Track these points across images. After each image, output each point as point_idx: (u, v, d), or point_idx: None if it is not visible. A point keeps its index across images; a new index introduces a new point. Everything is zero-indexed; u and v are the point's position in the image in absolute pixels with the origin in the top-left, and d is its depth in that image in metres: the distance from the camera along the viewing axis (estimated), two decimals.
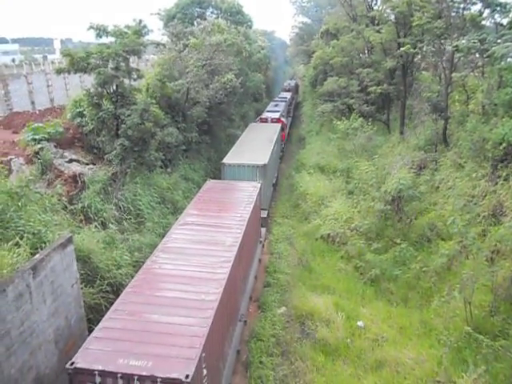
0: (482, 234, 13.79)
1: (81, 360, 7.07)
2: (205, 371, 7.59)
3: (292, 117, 43.61)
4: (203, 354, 7.38)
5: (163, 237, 12.11)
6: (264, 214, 18.18)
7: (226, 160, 19.87)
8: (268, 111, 33.77)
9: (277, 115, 31.47)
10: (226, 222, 12.62)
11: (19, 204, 10.41)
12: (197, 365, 7.04)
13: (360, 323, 13.19)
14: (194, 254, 10.58)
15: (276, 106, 36.40)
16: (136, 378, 6.83)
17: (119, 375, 6.85)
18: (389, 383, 10.76)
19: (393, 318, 13.61)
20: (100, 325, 8.12)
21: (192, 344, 7.44)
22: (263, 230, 17.49)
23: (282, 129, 29.61)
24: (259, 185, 16.15)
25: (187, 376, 6.69)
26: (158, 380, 6.75)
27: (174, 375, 6.73)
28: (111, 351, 7.31)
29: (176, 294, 8.99)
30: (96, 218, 13.98)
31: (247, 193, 15.12)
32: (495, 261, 12.72)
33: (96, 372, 6.86)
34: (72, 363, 7.00)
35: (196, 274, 9.72)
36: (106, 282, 11.42)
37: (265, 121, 30.43)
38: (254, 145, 22.71)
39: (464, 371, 10.34)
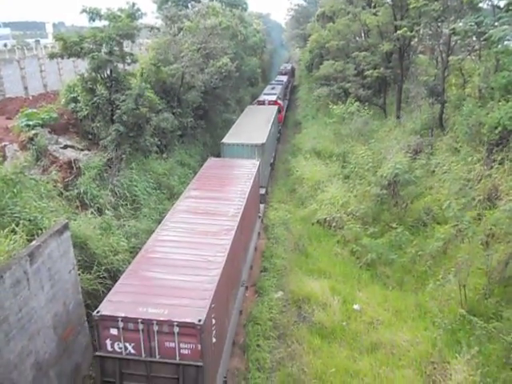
0: (478, 217, 13.89)
1: (105, 309, 7.97)
2: (213, 320, 8.47)
3: (288, 100, 44.10)
4: (212, 305, 8.26)
5: (162, 217, 12.74)
6: (262, 191, 18.85)
7: (225, 140, 20.40)
8: (265, 94, 34.40)
9: (274, 98, 32.06)
10: (228, 195, 13.46)
11: (14, 191, 10.36)
12: (207, 312, 7.92)
13: (356, 306, 13.34)
14: (200, 223, 11.37)
15: (273, 88, 36.95)
16: (155, 322, 7.73)
17: (140, 320, 7.75)
18: (384, 364, 10.93)
19: (388, 301, 13.76)
20: (119, 281, 8.94)
21: (202, 296, 8.34)
22: (262, 206, 18.22)
23: (279, 111, 30.10)
24: (258, 162, 16.78)
25: (200, 320, 7.61)
26: (175, 324, 7.68)
27: (188, 319, 7.69)
28: (131, 302, 8.22)
29: (186, 257, 9.79)
30: (92, 204, 13.95)
31: (247, 169, 15.78)
32: (490, 244, 12.85)
33: (119, 318, 7.77)
34: (98, 311, 7.90)
35: (203, 240, 10.54)
36: (103, 268, 11.44)
37: (262, 103, 30.85)
38: (252, 126, 23.18)
39: (458, 352, 10.53)
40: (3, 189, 10.11)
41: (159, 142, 19.19)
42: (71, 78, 19.17)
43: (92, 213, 13.43)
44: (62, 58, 17.29)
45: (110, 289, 9.30)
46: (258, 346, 11.78)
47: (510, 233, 12.19)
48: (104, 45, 16.26)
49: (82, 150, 16.03)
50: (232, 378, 10.79)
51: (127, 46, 19.27)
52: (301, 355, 11.53)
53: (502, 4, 18.19)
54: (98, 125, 16.90)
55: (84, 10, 16.43)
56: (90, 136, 17.01)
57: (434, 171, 18.49)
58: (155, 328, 7.78)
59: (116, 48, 16.58)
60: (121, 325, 7.81)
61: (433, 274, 13.83)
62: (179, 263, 9.57)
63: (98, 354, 8.07)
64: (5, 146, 13.39)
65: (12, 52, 24.46)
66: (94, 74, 16.42)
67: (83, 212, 13.32)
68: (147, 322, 7.77)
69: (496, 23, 16.68)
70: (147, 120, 17.79)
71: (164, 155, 19.96)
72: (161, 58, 21.76)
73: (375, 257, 15.68)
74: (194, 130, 24.07)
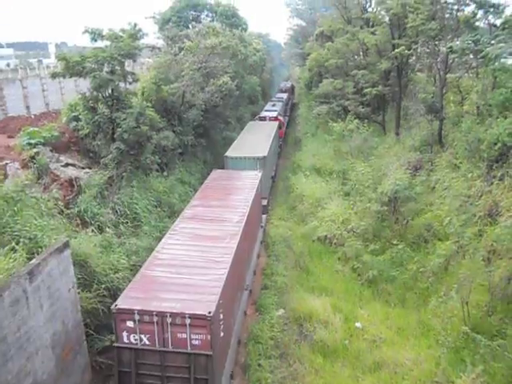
0: (479, 233, 13.83)
1: (122, 303, 8.75)
2: (221, 316, 9.14)
3: (288, 116, 44.92)
4: (220, 301, 8.96)
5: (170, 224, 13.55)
6: (264, 202, 19.57)
7: (228, 153, 21.16)
8: (266, 110, 35.23)
9: (274, 114, 32.86)
10: (233, 203, 14.35)
11: (15, 209, 10.38)
12: (216, 306, 8.66)
13: (358, 324, 13.20)
14: (207, 229, 12.23)
15: (273, 105, 37.83)
16: (168, 314, 8.49)
17: (154, 313, 8.52)
18: None
19: (390, 318, 13.62)
20: (134, 279, 9.80)
21: (211, 292, 9.10)
22: (264, 216, 19.12)
23: (280, 127, 31.03)
24: (260, 173, 17.67)
25: (209, 312, 8.40)
26: (186, 316, 8.45)
27: (199, 312, 8.46)
28: (146, 297, 9.01)
29: (194, 259, 10.58)
30: (92, 222, 13.93)
31: (250, 180, 16.72)
32: (492, 261, 12.76)
33: (135, 311, 8.54)
34: (116, 305, 8.66)
35: (210, 244, 11.34)
36: (103, 286, 11.36)
37: (263, 119, 31.72)
38: (254, 140, 24.00)
39: (462, 371, 10.34)
40: (4, 207, 10.13)
41: (160, 160, 19.25)
42: (73, 97, 19.35)
43: (92, 231, 13.40)
44: (64, 78, 17.47)
45: (109, 307, 9.36)
46: (259, 365, 11.62)
47: (511, 249, 12.12)
48: (106, 64, 16.47)
49: (83, 168, 16.09)
50: None
51: (129, 65, 19.52)
52: (303, 375, 11.37)
53: (498, 22, 18.50)
54: (99, 143, 16.99)
55: (86, 31, 16.70)
56: (91, 154, 17.09)
57: (434, 187, 18.50)
58: (168, 320, 8.51)
59: (118, 67, 16.78)
60: (137, 317, 8.56)
61: (435, 290, 13.73)
62: (189, 264, 10.35)
63: (116, 344, 8.78)
64: (6, 164, 13.43)
65: (15, 72, 24.76)
66: (95, 92, 16.58)
67: (84, 230, 13.30)
68: (161, 315, 8.52)
69: (493, 41, 16.91)
70: (148, 138, 17.89)
71: (165, 173, 20.01)
72: (162, 77, 22.00)
73: (376, 274, 15.59)
74: (195, 148, 24.19)
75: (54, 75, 16.89)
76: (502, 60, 16.45)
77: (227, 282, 9.73)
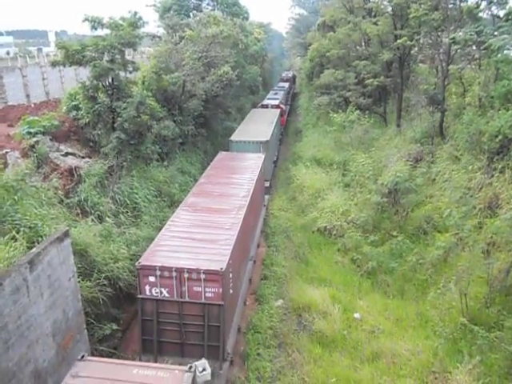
0: (478, 226, 13.86)
1: (145, 260, 9.85)
2: (231, 274, 10.36)
3: (289, 105, 45.72)
4: (230, 261, 10.09)
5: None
6: (267, 184, 20.65)
7: (233, 137, 22.12)
8: (268, 98, 36.70)
9: (276, 102, 33.90)
10: (238, 180, 15.31)
11: (15, 198, 10.39)
12: (227, 263, 9.82)
13: (357, 315, 13.28)
14: (216, 202, 13.22)
15: (275, 94, 39.39)
16: (186, 270, 9.59)
17: (173, 269, 9.60)
18: (385, 374, 10.85)
19: (389, 309, 13.70)
20: (154, 241, 10.85)
21: (222, 253, 10.23)
22: (266, 196, 20.27)
23: (281, 114, 32.13)
24: (263, 155, 18.61)
25: (221, 268, 9.53)
26: (201, 271, 9.54)
27: (212, 268, 9.57)
28: (165, 256, 10.09)
29: (206, 226, 11.66)
30: (92, 211, 13.95)
31: (254, 161, 17.67)
32: (491, 253, 12.81)
33: (157, 267, 9.63)
34: (139, 262, 9.76)
35: (219, 215, 12.37)
36: (103, 275, 11.43)
37: (266, 107, 32.74)
38: (257, 125, 25.07)
39: (459, 362, 10.45)
40: (4, 196, 10.14)
41: (160, 150, 19.23)
42: (73, 86, 19.27)
43: (92, 220, 13.43)
44: (64, 66, 17.39)
45: (110, 296, 10.12)
46: (258, 354, 11.71)
47: (510, 241, 12.16)
48: (106, 53, 16.37)
49: (83, 157, 16.06)
50: None
51: (129, 54, 19.39)
52: (301, 364, 11.46)
53: (501, 14, 18.33)
54: (99, 132, 16.95)
55: (86, 19, 16.55)
56: (91, 143, 17.05)
57: (434, 179, 18.50)
58: (185, 275, 9.62)
59: (118, 56, 16.68)
60: (158, 273, 9.65)
61: (433, 282, 13.78)
62: (201, 230, 11.45)
63: (139, 296, 9.90)
64: (6, 153, 13.42)
65: (14, 60, 24.68)
66: (95, 81, 16.49)
67: (84, 219, 13.32)
68: (179, 271, 9.62)
69: (496, 32, 16.77)
70: (148, 128, 17.84)
71: (165, 163, 19.99)
72: (162, 67, 21.88)
73: (376, 265, 15.64)
74: (195, 138, 24.13)
75: (53, 64, 16.79)
76: (505, 51, 16.33)
77: (235, 246, 10.78)
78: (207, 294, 9.72)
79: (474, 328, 10.99)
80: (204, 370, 8.82)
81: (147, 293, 9.88)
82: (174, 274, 9.63)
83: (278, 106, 32.48)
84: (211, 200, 13.40)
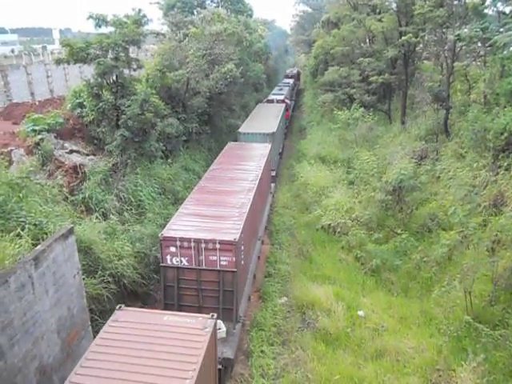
0: (483, 224, 13.80)
1: (167, 232, 11.03)
2: (242, 247, 11.42)
3: (294, 101, 46.58)
4: (242, 234, 11.17)
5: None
6: (273, 173, 22.03)
7: (241, 129, 23.48)
8: (274, 94, 37.97)
9: (281, 97, 34.99)
10: (247, 167, 16.47)
11: (20, 195, 10.44)
12: (239, 235, 10.93)
13: (360, 313, 13.26)
14: (227, 186, 14.34)
15: (280, 90, 40.49)
16: (203, 241, 10.73)
17: (192, 239, 10.76)
18: (389, 372, 10.84)
19: (393, 307, 13.67)
20: (174, 216, 12.19)
21: (235, 227, 11.37)
22: (273, 184, 21.72)
23: (286, 109, 33.02)
24: (270, 145, 19.71)
25: (235, 239, 10.70)
26: (217, 241, 10.69)
27: (226, 238, 10.76)
28: (184, 229, 11.26)
29: (220, 205, 12.77)
30: (97, 208, 14.00)
31: (261, 150, 18.73)
32: (496, 251, 12.75)
33: (177, 238, 10.81)
34: (162, 234, 10.93)
35: (231, 196, 13.49)
36: (107, 272, 11.48)
37: (271, 101, 33.83)
38: (264, 119, 26.33)
39: (463, 360, 10.42)
40: (9, 193, 10.18)
41: (164, 148, 19.26)
42: (77, 84, 19.30)
43: (97, 217, 13.48)
44: (69, 64, 17.41)
45: (114, 294, 10.20)
46: (262, 352, 11.74)
47: None
48: (110, 51, 16.40)
49: (87, 154, 16.11)
50: None
51: (133, 51, 19.40)
52: (305, 362, 11.46)
53: (507, 10, 18.23)
54: (104, 130, 16.99)
55: (90, 17, 16.56)
56: (95, 141, 17.10)
57: (439, 177, 18.43)
58: (203, 245, 10.74)
59: (122, 54, 16.71)
60: (178, 243, 10.81)
61: (438, 280, 13.74)
62: (215, 208, 12.58)
63: (162, 265, 11.05)
64: (11, 150, 13.48)
65: (19, 58, 24.74)
66: (99, 79, 16.52)
67: (88, 217, 13.37)
68: (197, 241, 10.74)
69: (501, 29, 16.69)
70: (152, 125, 17.86)
71: (169, 160, 20.02)
72: (166, 64, 21.88)
73: (380, 263, 15.61)
74: (199, 136, 24.14)
75: (58, 61, 16.81)
76: (511, 48, 16.24)
77: (246, 222, 11.94)
78: (222, 262, 10.85)
79: (479, 326, 10.96)
80: (219, 328, 9.81)
81: (168, 262, 11.02)
82: (193, 244, 10.76)
83: (283, 101, 33.40)
84: (223, 183, 14.56)
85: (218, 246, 10.72)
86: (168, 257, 10.99)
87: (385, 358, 11.38)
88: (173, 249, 10.90)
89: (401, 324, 12.83)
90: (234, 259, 10.77)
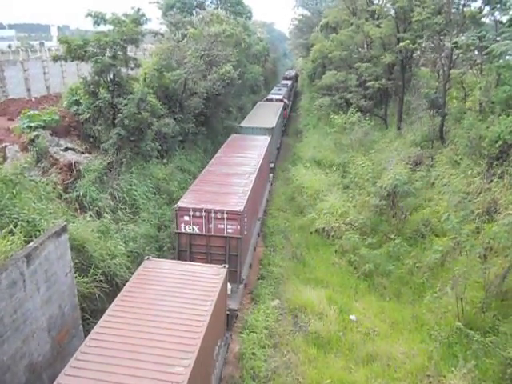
0: (476, 230, 13.88)
1: (181, 203, 13.04)
2: (245, 219, 13.29)
3: (291, 101, 48.30)
4: (245, 208, 13.10)
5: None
6: (271, 165, 24.40)
7: (243, 124, 25.92)
8: (273, 93, 40.28)
9: (280, 97, 37.29)
10: (249, 155, 18.43)
11: (14, 191, 10.36)
12: (243, 207, 12.88)
13: (352, 317, 13.30)
14: (231, 170, 16.36)
15: (279, 90, 42.89)
16: (212, 211, 12.64)
17: (203, 210, 12.67)
18: (379, 376, 10.87)
19: (385, 312, 13.72)
20: (188, 190, 14.32)
21: (240, 201, 13.35)
22: (271, 175, 24.16)
23: (284, 108, 35.01)
24: (269, 137, 21.86)
25: (240, 209, 12.67)
26: (224, 212, 12.63)
27: (233, 209, 12.75)
28: (196, 201, 13.22)
29: (226, 184, 14.88)
30: (91, 207, 13.93)
31: (261, 142, 20.91)
32: (488, 258, 12.83)
33: (190, 208, 12.74)
34: (177, 205, 12.95)
35: (235, 177, 15.55)
36: (99, 271, 11.41)
37: (270, 100, 36.07)
38: (263, 115, 28.45)
39: (454, 366, 10.49)
40: (2, 189, 10.11)
41: (160, 147, 19.20)
42: (74, 81, 19.23)
43: (91, 216, 13.40)
44: (66, 61, 17.35)
45: (106, 293, 10.35)
46: (254, 354, 11.73)
47: (507, 247, 12.18)
48: (108, 49, 16.34)
49: (82, 152, 16.04)
50: None
51: (131, 50, 19.37)
52: (296, 365, 11.48)
53: (504, 19, 18.37)
54: (100, 128, 16.92)
55: (89, 14, 16.51)
56: (91, 139, 17.02)
57: (433, 183, 18.52)
58: (212, 215, 12.63)
59: (120, 52, 16.66)
60: (191, 213, 12.70)
61: (430, 286, 13.81)
62: (222, 186, 14.57)
63: (176, 232, 12.94)
64: (6, 146, 13.40)
65: (16, 53, 24.62)
66: (97, 77, 16.46)
67: (82, 215, 13.30)
68: (207, 211, 12.62)
69: (498, 38, 16.82)
70: (148, 125, 17.82)
71: (164, 160, 19.97)
72: (164, 64, 21.84)
73: (373, 267, 15.66)
74: (195, 136, 24.11)
75: (55, 58, 16.75)
76: (507, 57, 16.38)
77: (249, 197, 13.85)
78: (228, 230, 12.68)
79: (470, 332, 11.02)
80: None
81: (182, 229, 12.89)
82: (204, 214, 12.60)
83: (281, 100, 35.56)
84: (228, 167, 16.60)
85: (225, 215, 12.56)
86: (182, 225, 12.82)
87: (376, 363, 11.43)
88: (186, 218, 12.71)
89: (392, 329, 12.88)
90: (238, 227, 12.59)
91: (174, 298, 8.52)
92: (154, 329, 7.66)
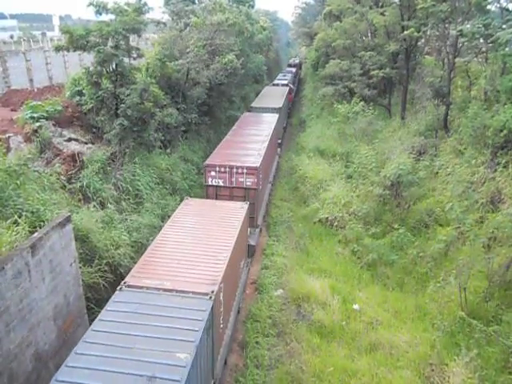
0: (480, 220, 13.86)
1: (208, 161, 15.71)
2: (260, 175, 15.75)
3: (295, 88, 50.26)
4: (260, 166, 15.65)
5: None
6: (279, 141, 27.01)
7: (253, 104, 28.71)
8: (278, 79, 43.76)
9: (285, 82, 40.87)
10: (260, 128, 21.33)
11: (18, 182, 10.40)
12: (260, 164, 15.60)
13: (356, 306, 13.34)
14: (246, 139, 19.17)
15: (284, 76, 46.06)
16: (235, 167, 15.24)
17: (227, 166, 15.28)
18: (382, 365, 10.93)
19: (388, 302, 13.76)
20: (212, 154, 16.72)
21: (256, 160, 16.03)
22: (279, 149, 26.97)
23: (289, 92, 37.86)
24: (277, 115, 24.63)
25: (256, 165, 15.33)
26: (244, 167, 15.24)
27: (252, 165, 15.41)
28: (222, 159, 15.83)
29: (242, 149, 17.59)
30: (95, 197, 13.97)
31: (270, 118, 23.88)
32: (492, 247, 12.82)
33: (216, 165, 15.38)
34: (205, 163, 15.64)
35: (250, 145, 18.22)
36: (104, 261, 11.48)
37: (276, 85, 39.49)
38: (271, 97, 31.30)
39: (456, 355, 10.52)
40: (6, 180, 10.15)
41: (163, 138, 19.18)
42: (76, 71, 19.18)
43: (94, 206, 13.45)
44: (68, 51, 17.28)
45: (110, 282, 10.40)
46: (257, 343, 11.82)
47: (511, 236, 12.16)
48: (110, 39, 16.25)
49: (85, 143, 16.05)
50: (230, 374, 10.85)
51: (133, 40, 19.25)
52: (299, 353, 11.55)
53: (510, 6, 18.11)
54: (103, 118, 16.92)
55: (91, 4, 16.41)
56: (94, 129, 17.03)
57: (437, 173, 18.45)
58: (234, 170, 15.22)
59: (122, 42, 16.56)
60: (217, 169, 15.30)
61: (433, 275, 13.82)
62: (240, 149, 17.40)
63: (205, 184, 15.63)
64: (9, 137, 13.42)
65: (18, 44, 24.53)
66: (99, 67, 16.39)
67: (86, 205, 13.35)
68: (230, 167, 15.25)
69: (504, 26, 16.59)
70: (151, 115, 17.79)
71: (167, 150, 19.96)
72: (166, 54, 21.73)
73: (376, 257, 15.67)
74: (198, 126, 24.06)
75: (57, 48, 16.67)
76: None
77: (263, 159, 16.49)
78: (247, 183, 15.33)
79: (473, 322, 11.05)
80: None
81: (209, 182, 15.48)
82: (228, 169, 15.21)
83: (287, 85, 38.86)
84: (244, 137, 19.42)
85: (245, 170, 15.17)
86: (209, 179, 15.43)
87: (378, 352, 11.48)
88: (213, 173, 15.31)
89: (395, 318, 12.92)
90: (256, 180, 15.27)
91: (212, 221, 11.47)
92: (200, 239, 10.50)
